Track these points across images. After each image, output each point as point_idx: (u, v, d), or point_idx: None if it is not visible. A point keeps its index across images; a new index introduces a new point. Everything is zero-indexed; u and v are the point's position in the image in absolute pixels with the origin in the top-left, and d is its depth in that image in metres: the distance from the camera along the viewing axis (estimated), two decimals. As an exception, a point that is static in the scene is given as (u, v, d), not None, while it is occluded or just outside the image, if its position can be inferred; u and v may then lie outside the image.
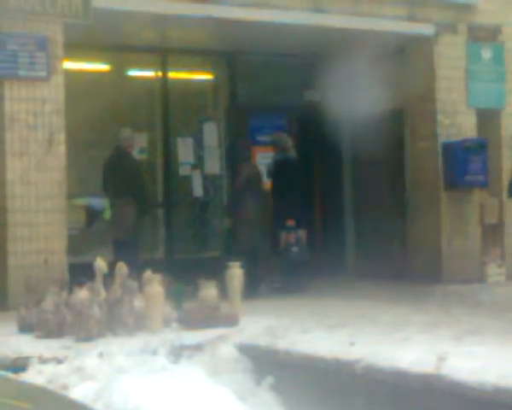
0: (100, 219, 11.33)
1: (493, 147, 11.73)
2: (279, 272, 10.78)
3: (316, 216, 12.83)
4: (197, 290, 7.93)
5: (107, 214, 10.53)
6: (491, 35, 11.95)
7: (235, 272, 8.34)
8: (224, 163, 12.04)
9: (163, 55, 11.74)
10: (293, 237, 10.54)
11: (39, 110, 9.31)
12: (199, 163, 11.97)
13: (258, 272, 10.26)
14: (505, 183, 11.76)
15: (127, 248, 9.93)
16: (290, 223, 10.53)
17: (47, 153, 9.34)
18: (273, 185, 10.97)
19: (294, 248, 10.50)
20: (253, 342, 6.76)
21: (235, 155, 11.17)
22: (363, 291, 10.39)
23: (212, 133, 12.07)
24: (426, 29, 11.44)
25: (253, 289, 9.36)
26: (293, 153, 11.03)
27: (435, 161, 11.43)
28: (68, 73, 9.75)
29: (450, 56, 11.58)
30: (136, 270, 7.60)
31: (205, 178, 11.79)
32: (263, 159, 11.84)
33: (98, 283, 7.36)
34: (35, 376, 6.01)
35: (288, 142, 11.06)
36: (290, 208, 10.55)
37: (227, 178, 11.90)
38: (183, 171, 11.94)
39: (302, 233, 10.64)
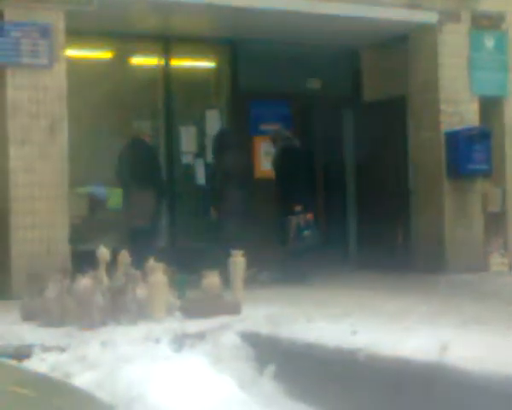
0: (103, 207, 11.35)
1: (496, 135, 11.71)
2: (281, 261, 10.73)
3: (318, 206, 12.81)
4: (200, 279, 7.93)
5: (113, 202, 10.52)
6: (494, 23, 11.91)
7: (238, 261, 8.33)
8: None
9: (165, 42, 11.72)
10: (303, 220, 10.43)
11: (42, 98, 9.31)
12: (201, 151, 11.95)
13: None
14: (509, 171, 11.77)
15: (145, 236, 9.96)
16: (297, 208, 10.42)
17: (49, 141, 9.34)
18: (277, 173, 10.92)
19: (306, 232, 10.39)
20: (256, 330, 6.76)
21: (222, 143, 10.97)
22: (366, 281, 10.39)
23: (214, 121, 12.05)
24: (429, 17, 11.41)
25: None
26: (296, 141, 11.01)
27: (438, 150, 11.41)
28: (70, 61, 9.74)
29: (453, 44, 11.55)
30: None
31: (207, 166, 11.77)
32: (266, 148, 11.83)
33: (101, 271, 7.37)
34: (38, 364, 6.01)
35: (288, 133, 11.06)
36: (295, 195, 10.49)
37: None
38: (186, 159, 11.94)
39: (310, 216, 10.55)
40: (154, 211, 10.33)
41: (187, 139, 11.90)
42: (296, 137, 11.19)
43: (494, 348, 5.47)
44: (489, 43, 11.85)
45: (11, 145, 9.19)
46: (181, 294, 7.83)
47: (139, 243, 9.59)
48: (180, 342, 6.55)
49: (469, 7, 11.67)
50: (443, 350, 5.31)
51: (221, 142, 10.88)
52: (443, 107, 11.45)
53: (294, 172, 10.54)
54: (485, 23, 11.83)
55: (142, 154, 10.33)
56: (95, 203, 11.37)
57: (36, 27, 9.30)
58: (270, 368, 6.25)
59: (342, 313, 7.23)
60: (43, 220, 9.22)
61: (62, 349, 6.29)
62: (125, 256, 7.45)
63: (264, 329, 6.75)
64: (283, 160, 10.80)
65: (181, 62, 12.11)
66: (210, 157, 11.59)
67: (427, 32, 11.53)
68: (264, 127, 12.04)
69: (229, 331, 6.73)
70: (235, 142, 10.91)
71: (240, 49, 12.11)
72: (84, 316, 6.98)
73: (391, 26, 11.41)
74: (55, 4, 9.38)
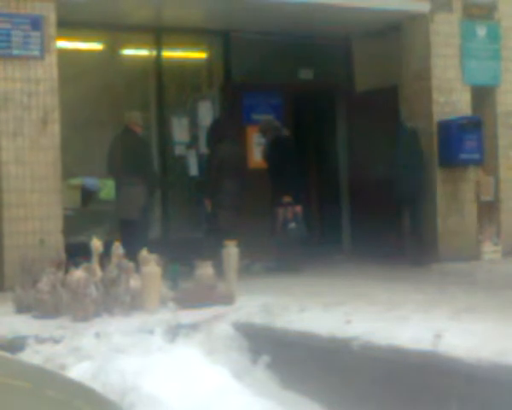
0: (95, 199, 11.32)
1: (488, 124, 11.72)
2: (275, 251, 10.73)
3: (312, 196, 12.81)
4: (193, 270, 7.92)
5: (105, 194, 10.47)
6: (486, 12, 11.90)
7: (232, 251, 8.33)
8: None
9: (157, 33, 11.68)
10: (291, 213, 10.46)
11: (33, 90, 9.28)
12: (194, 142, 11.93)
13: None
14: (501, 160, 11.77)
15: (136, 228, 9.89)
16: (287, 199, 10.46)
17: (41, 133, 9.31)
18: (269, 164, 10.91)
19: (292, 224, 10.43)
20: (250, 320, 6.76)
21: (217, 133, 10.85)
22: (360, 271, 10.39)
23: (206, 112, 12.02)
24: (421, 6, 11.40)
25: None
26: (285, 132, 11.00)
27: (430, 139, 11.41)
28: (62, 53, 9.71)
29: (445, 34, 11.54)
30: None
31: (200, 157, 11.74)
32: (258, 138, 11.81)
33: (94, 262, 7.36)
34: (32, 356, 6.00)
35: (277, 123, 11.05)
36: (286, 186, 10.50)
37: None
38: (179, 150, 11.91)
39: (298, 209, 10.58)
40: (144, 202, 10.25)
41: (179, 130, 11.87)
42: (286, 127, 11.17)
43: (488, 336, 5.48)
44: (481, 32, 11.84)
45: (3, 137, 9.16)
46: (174, 284, 7.82)
47: (130, 234, 9.54)
48: (174, 332, 6.55)
49: (461, -4, 11.67)
50: (437, 339, 5.32)
51: (216, 132, 10.76)
52: (435, 96, 11.45)
53: (284, 164, 10.53)
54: (477, 12, 11.82)
55: (132, 145, 10.24)
56: (87, 195, 11.34)
57: (27, 19, 9.26)
58: (264, 358, 6.25)
59: (337, 303, 7.23)
60: (36, 212, 9.20)
61: (56, 341, 6.28)
62: (117, 248, 7.44)
63: (258, 319, 6.75)
64: (273, 151, 10.79)
65: (173, 53, 12.07)
66: (202, 148, 11.56)
67: (419, 21, 11.52)
68: (256, 117, 12.01)
69: (222, 322, 6.73)
70: (229, 132, 10.83)
71: (232, 39, 12.08)
72: (78, 307, 6.97)
73: (383, 16, 11.39)
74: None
